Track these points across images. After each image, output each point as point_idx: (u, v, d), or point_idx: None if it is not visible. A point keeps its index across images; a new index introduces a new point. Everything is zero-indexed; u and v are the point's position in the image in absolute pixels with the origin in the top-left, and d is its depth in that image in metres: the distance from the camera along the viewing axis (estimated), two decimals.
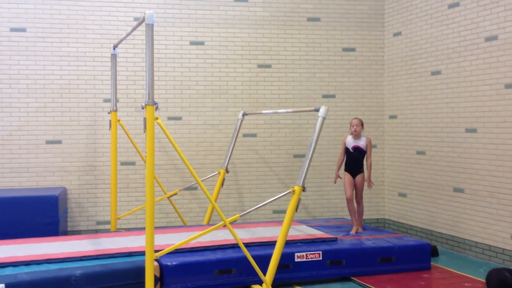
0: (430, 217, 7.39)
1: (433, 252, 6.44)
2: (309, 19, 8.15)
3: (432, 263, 6.05)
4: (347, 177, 6.57)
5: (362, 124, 6.56)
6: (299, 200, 5.09)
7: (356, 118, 6.58)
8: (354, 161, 6.55)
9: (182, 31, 7.75)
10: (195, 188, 7.80)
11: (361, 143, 6.54)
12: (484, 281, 5.41)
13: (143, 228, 7.26)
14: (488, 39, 6.41)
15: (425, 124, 7.46)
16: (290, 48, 8.09)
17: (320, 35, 8.18)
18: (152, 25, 4.53)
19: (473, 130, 6.63)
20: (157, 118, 4.67)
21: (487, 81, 6.43)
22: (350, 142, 6.59)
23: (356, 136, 6.54)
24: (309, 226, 6.68)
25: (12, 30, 7.27)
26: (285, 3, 8.05)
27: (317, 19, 8.17)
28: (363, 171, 6.59)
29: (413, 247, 5.92)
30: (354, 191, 6.59)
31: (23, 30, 7.31)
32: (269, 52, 8.03)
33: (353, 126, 6.52)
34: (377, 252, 5.77)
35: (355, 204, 6.63)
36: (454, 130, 6.94)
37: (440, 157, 7.18)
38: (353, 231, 6.49)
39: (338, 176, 6.71)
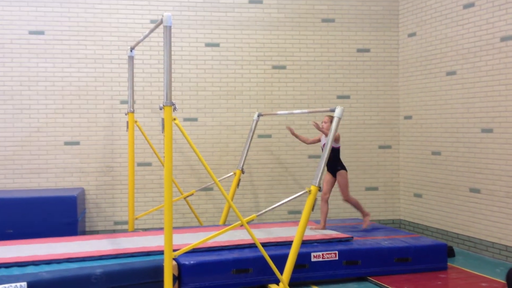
0: (446, 218, 7.38)
1: (450, 252, 6.44)
2: (324, 20, 8.18)
3: (448, 263, 6.05)
4: (326, 176, 6.54)
5: (331, 121, 6.16)
6: (315, 200, 5.13)
7: (326, 115, 6.32)
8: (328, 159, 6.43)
9: (197, 33, 7.82)
10: (211, 189, 7.86)
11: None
12: (501, 281, 5.41)
13: (160, 228, 7.34)
14: (503, 39, 6.40)
15: (440, 124, 7.46)
16: (305, 49, 8.13)
17: (335, 36, 8.21)
18: (170, 27, 4.59)
19: (489, 130, 6.63)
20: (174, 119, 4.73)
21: (502, 81, 6.42)
22: (322, 140, 6.46)
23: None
24: None
25: (31, 33, 7.39)
26: (299, 4, 8.09)
27: (332, 20, 8.20)
28: (340, 169, 6.46)
29: (429, 247, 5.93)
30: (330, 190, 6.54)
31: (41, 33, 7.42)
32: (284, 53, 8.08)
33: (322, 123, 6.30)
34: (393, 252, 5.78)
35: (346, 203, 6.57)
36: (470, 130, 6.93)
37: (456, 157, 7.17)
38: (313, 226, 6.50)
39: (290, 130, 6.54)
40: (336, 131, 5.28)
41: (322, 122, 6.33)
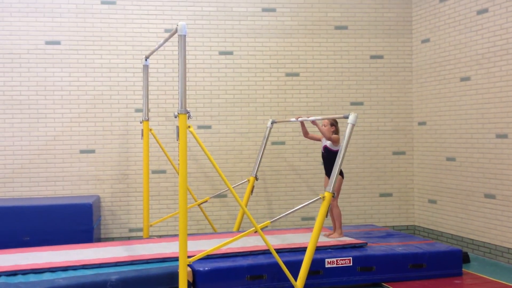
0: (461, 224, 7.34)
1: (465, 258, 6.40)
2: (337, 28, 8.21)
3: (463, 269, 6.02)
4: (325, 180, 6.43)
5: (331, 124, 6.19)
6: (329, 206, 5.14)
7: (326, 119, 6.17)
8: (325, 161, 6.30)
9: (211, 41, 7.89)
10: (225, 196, 7.90)
11: (328, 142, 6.22)
12: None
13: (174, 235, 7.39)
14: None
15: (454, 130, 7.44)
16: (318, 56, 8.16)
17: (348, 43, 8.23)
18: (185, 36, 4.65)
19: (504, 136, 6.59)
20: (189, 127, 4.79)
21: None
22: (323, 142, 6.33)
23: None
24: None
25: (47, 43, 7.50)
26: (312, 12, 8.13)
27: (345, 27, 8.23)
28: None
29: (444, 253, 5.90)
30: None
31: (57, 43, 7.54)
32: (297, 61, 8.11)
33: (322, 125, 6.19)
34: (408, 258, 5.76)
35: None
36: (484, 136, 6.90)
37: (470, 163, 7.14)
38: (326, 234, 6.40)
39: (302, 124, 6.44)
40: (350, 137, 5.28)
41: (322, 125, 6.20)
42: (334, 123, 6.24)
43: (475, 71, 7.05)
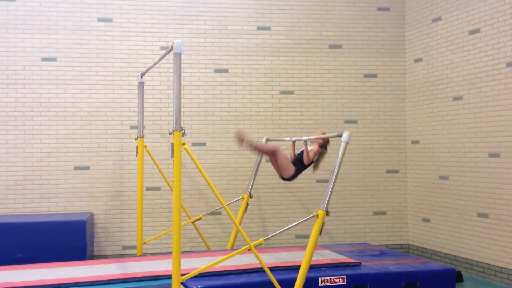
0: (455, 243, 7.36)
1: (458, 277, 6.41)
2: (331, 46, 8.29)
3: None
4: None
5: (321, 146, 6.11)
6: (322, 224, 5.14)
7: (320, 138, 6.03)
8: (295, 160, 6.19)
9: (206, 59, 7.94)
10: (219, 213, 7.89)
11: (305, 157, 6.07)
12: None
13: (168, 253, 7.36)
14: (509, 64, 6.46)
15: (447, 149, 7.49)
16: (312, 75, 8.22)
17: (342, 62, 8.31)
18: (180, 53, 4.68)
19: (496, 155, 6.64)
20: (184, 144, 4.80)
21: (509, 106, 6.46)
22: (302, 147, 6.18)
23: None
24: (332, 251, 6.70)
25: (43, 59, 7.54)
26: (307, 31, 8.21)
27: (339, 46, 8.31)
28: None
29: (438, 272, 5.90)
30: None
31: (53, 59, 7.57)
32: (292, 79, 8.17)
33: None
34: (401, 277, 5.76)
35: None
36: (477, 155, 6.95)
37: (463, 182, 7.18)
38: None
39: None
40: (343, 155, 5.30)
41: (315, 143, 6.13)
42: (324, 146, 6.14)
43: (467, 90, 7.12)
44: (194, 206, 7.84)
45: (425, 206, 8.00)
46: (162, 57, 5.58)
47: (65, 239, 6.68)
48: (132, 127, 7.70)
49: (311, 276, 5.44)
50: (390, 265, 6.03)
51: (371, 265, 6.02)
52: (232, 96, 8.00)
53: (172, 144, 4.67)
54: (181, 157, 4.65)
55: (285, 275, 5.45)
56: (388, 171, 8.41)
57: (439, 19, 7.64)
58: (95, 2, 7.66)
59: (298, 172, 6.10)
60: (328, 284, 5.53)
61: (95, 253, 7.58)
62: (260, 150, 6.26)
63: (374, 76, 8.40)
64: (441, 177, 7.62)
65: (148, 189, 7.71)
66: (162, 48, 7.81)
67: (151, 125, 7.76)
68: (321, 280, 5.52)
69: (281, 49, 8.15)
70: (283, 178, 6.16)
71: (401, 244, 8.40)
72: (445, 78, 7.53)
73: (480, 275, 6.88)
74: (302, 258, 5.16)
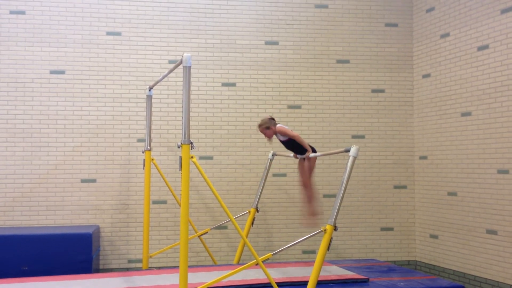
0: (463, 259, 7.28)
1: None
2: (339, 61, 8.29)
3: None
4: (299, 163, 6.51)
5: (267, 127, 6.22)
6: (330, 239, 5.10)
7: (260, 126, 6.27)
8: (289, 146, 6.34)
9: (214, 73, 7.96)
10: (225, 227, 7.86)
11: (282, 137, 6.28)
12: None
13: (174, 267, 7.31)
14: None
15: (456, 165, 7.45)
16: (320, 90, 8.22)
17: (350, 77, 8.31)
18: (189, 67, 4.69)
19: (505, 171, 6.60)
20: (192, 157, 4.79)
21: None
22: (279, 138, 6.35)
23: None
24: (339, 266, 6.65)
25: (52, 72, 7.57)
26: (314, 46, 8.23)
27: (347, 61, 8.31)
28: (306, 152, 6.26)
29: None
30: (308, 174, 6.37)
31: (62, 72, 7.60)
32: (299, 93, 8.17)
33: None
34: None
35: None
36: (486, 171, 6.90)
37: (472, 198, 7.13)
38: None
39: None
40: (351, 170, 5.27)
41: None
42: (270, 123, 6.21)
43: (476, 106, 7.09)
44: (200, 220, 7.80)
45: (433, 222, 7.94)
46: (171, 71, 5.59)
47: (71, 252, 6.66)
48: (139, 140, 7.70)
49: None
50: (399, 281, 5.97)
51: (379, 282, 5.96)
52: (239, 110, 8.00)
53: (181, 157, 4.65)
54: (189, 170, 4.64)
55: None
56: (395, 187, 8.36)
57: (447, 35, 7.64)
58: (104, 16, 7.71)
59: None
60: None
61: (101, 266, 7.54)
62: (312, 195, 6.40)
63: (382, 91, 8.39)
64: (450, 193, 7.57)
65: (155, 202, 7.69)
66: (170, 62, 7.83)
67: (158, 138, 7.76)
68: None
69: (289, 64, 8.17)
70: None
71: (408, 261, 8.33)
72: (453, 94, 7.51)
73: None
74: (310, 274, 5.11)
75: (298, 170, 6.54)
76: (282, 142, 6.38)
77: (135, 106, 7.74)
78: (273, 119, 6.30)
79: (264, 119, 6.31)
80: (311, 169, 6.36)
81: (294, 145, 6.30)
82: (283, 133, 6.22)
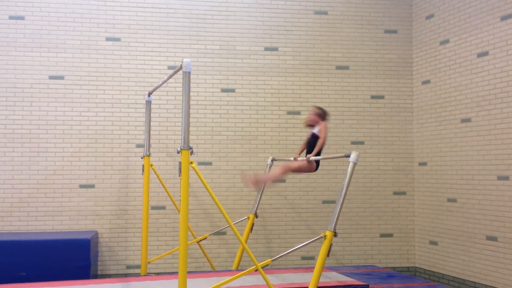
0: (463, 266, 7.26)
1: None
2: (338, 67, 8.30)
3: None
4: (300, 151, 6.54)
5: (319, 115, 6.33)
6: (330, 245, 5.08)
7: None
8: (309, 144, 6.32)
9: (213, 79, 7.95)
10: (224, 233, 7.83)
11: (317, 129, 6.28)
12: None
13: (173, 273, 7.28)
14: None
15: (455, 171, 7.43)
16: (319, 96, 8.22)
17: (349, 83, 8.31)
18: (189, 72, 4.68)
19: (505, 178, 6.59)
20: (191, 163, 4.77)
21: None
22: (312, 130, 6.38)
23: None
24: (339, 273, 6.62)
25: (51, 77, 7.56)
26: (314, 52, 8.23)
27: (346, 68, 8.31)
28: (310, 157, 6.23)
29: None
30: (296, 170, 6.33)
31: (61, 77, 7.59)
32: (299, 99, 8.17)
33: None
34: None
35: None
36: (486, 177, 6.89)
37: (472, 204, 7.11)
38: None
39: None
40: (351, 175, 5.26)
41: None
42: (324, 118, 6.31)
43: (475, 112, 7.09)
44: (199, 225, 7.78)
45: (432, 229, 7.92)
46: (170, 76, 5.58)
47: (69, 258, 6.62)
48: (138, 146, 7.68)
49: None
50: None
51: None
52: (238, 116, 7.99)
53: (180, 162, 4.64)
54: (188, 175, 4.62)
55: None
56: (395, 193, 8.34)
57: (447, 41, 7.65)
58: (104, 21, 7.71)
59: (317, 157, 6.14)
60: None
61: (99, 272, 7.51)
62: (274, 179, 6.36)
63: (382, 97, 8.39)
64: (449, 200, 7.55)
65: (153, 208, 7.66)
66: (169, 67, 7.83)
67: (157, 144, 7.75)
68: None
69: (288, 70, 8.16)
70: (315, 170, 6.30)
71: (408, 267, 8.30)
72: (453, 100, 7.51)
73: None
74: (309, 280, 5.09)
75: (283, 163, 6.45)
76: (310, 136, 6.34)
77: (134, 111, 7.73)
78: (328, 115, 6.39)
79: (325, 109, 6.40)
80: (296, 169, 6.22)
81: (311, 145, 6.26)
82: (322, 130, 6.21)
